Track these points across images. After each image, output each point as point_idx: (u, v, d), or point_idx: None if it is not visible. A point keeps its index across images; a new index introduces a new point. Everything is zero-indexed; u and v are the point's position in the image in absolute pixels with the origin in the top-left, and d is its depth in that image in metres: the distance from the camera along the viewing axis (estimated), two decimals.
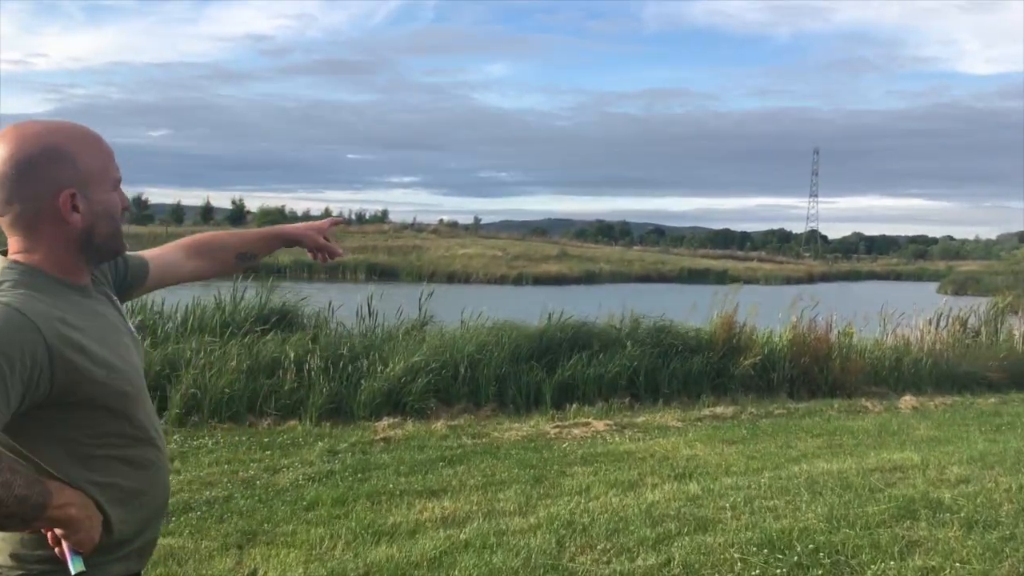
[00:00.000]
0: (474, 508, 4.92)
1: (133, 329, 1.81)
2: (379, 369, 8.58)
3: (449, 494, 5.33)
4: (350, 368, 8.55)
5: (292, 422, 7.88)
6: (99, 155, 1.60)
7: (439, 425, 7.91)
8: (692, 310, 11.71)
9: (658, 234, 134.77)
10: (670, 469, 5.96)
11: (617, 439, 7.46)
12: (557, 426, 8.03)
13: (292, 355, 8.37)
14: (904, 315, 13.08)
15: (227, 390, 7.80)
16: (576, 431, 7.86)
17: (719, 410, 9.12)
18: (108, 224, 1.62)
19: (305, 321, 10.13)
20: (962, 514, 4.56)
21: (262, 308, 9.87)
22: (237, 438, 7.16)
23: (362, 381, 8.39)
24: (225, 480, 5.82)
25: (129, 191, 2.09)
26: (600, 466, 6.17)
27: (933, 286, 63.14)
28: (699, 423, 8.39)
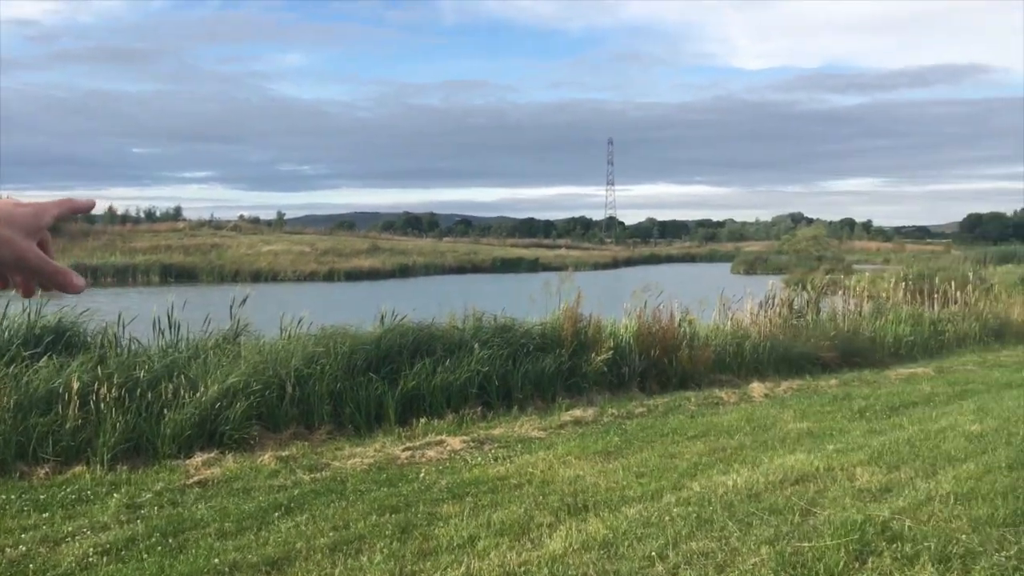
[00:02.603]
0: None
1: None
2: (187, 394, 7.13)
3: (296, 564, 4.14)
4: (150, 395, 7.05)
5: (78, 468, 6.34)
6: None
7: (266, 458, 6.62)
8: (531, 303, 10.94)
9: (466, 225, 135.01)
10: (558, 500, 5.06)
11: (479, 459, 6.50)
12: (407, 447, 6.96)
13: (74, 385, 6.75)
14: (739, 299, 13.02)
15: None
16: (430, 452, 6.82)
17: (578, 413, 8.38)
18: None
19: (89, 340, 8.41)
20: (926, 544, 3.95)
21: (31, 326, 8.07)
22: (3, 497, 5.58)
23: (165, 411, 6.93)
24: None
25: None
26: (474, 501, 5.18)
27: (726, 266, 67.29)
28: (561, 431, 7.61)
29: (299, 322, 9.65)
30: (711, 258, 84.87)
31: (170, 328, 9.06)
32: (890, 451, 6.02)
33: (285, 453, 6.78)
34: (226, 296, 10.23)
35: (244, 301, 9.76)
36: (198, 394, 7.14)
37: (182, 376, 7.39)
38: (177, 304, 9.46)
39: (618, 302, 12.18)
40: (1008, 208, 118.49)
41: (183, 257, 50.96)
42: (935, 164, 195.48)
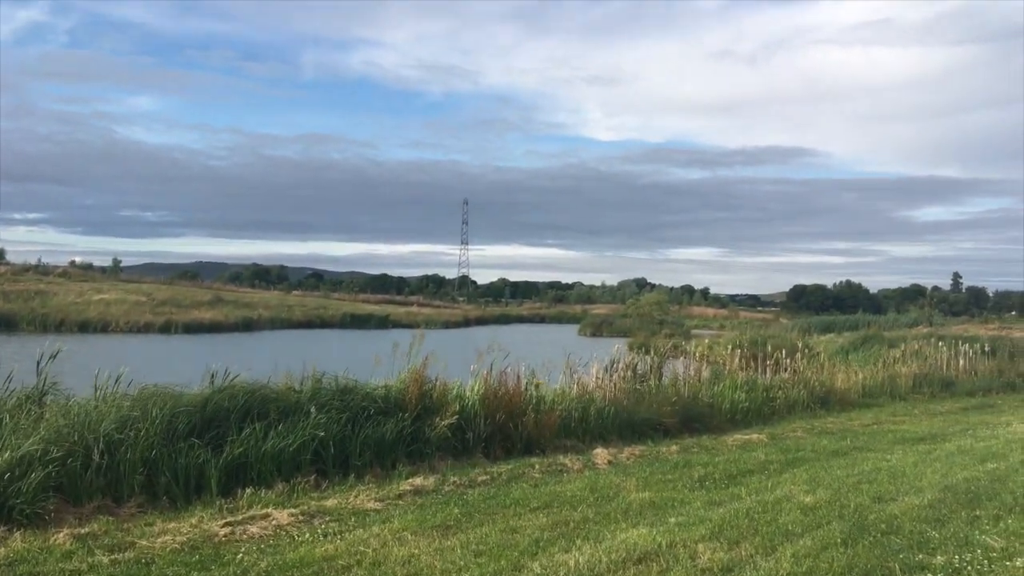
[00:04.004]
0: None
1: None
2: None
3: None
4: None
5: None
6: None
7: (62, 536, 5.87)
8: (378, 364, 10.50)
9: (316, 279, 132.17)
10: None
11: (308, 535, 6.00)
12: (227, 523, 6.35)
13: None
14: (585, 362, 13.08)
15: None
16: (253, 528, 6.25)
17: (418, 481, 7.99)
18: None
19: None
20: None
21: None
22: None
23: None
24: None
25: None
26: None
27: (574, 328, 68.72)
28: (400, 501, 7.20)
29: (116, 380, 8.81)
30: (560, 319, 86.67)
31: None
32: (730, 525, 5.99)
33: (85, 530, 6.04)
34: (46, 347, 9.26)
35: (54, 356, 8.81)
36: None
37: None
38: None
39: (466, 363, 11.94)
40: (829, 280, 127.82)
41: (1, 303, 46.99)
42: (766, 237, 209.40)
